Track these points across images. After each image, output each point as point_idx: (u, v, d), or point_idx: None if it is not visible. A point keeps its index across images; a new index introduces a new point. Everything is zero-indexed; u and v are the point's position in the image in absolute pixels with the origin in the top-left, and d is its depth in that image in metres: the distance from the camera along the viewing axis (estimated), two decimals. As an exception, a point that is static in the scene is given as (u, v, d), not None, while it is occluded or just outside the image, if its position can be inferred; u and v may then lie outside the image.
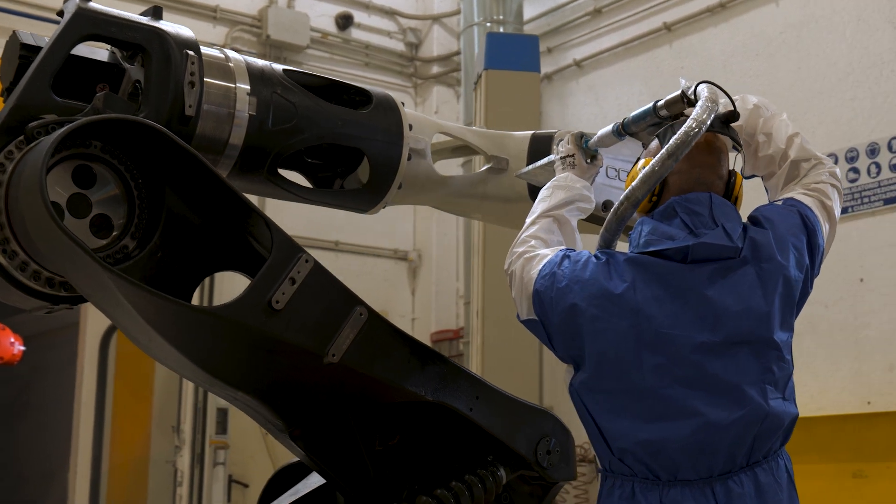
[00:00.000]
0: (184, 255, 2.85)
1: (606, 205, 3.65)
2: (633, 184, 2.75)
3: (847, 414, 6.77)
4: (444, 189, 3.59)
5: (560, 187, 3.13)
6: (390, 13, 11.17)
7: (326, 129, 3.23)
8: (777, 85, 7.64)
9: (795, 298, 2.78)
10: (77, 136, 2.64)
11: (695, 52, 8.37)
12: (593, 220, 3.61)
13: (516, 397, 3.15)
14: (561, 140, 3.31)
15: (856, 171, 7.12)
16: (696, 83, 2.87)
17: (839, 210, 2.93)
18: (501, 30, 8.56)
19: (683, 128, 2.73)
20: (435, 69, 11.05)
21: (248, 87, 3.09)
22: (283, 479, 3.48)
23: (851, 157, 7.17)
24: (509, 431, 3.09)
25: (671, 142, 2.73)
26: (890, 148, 7.00)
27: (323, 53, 10.52)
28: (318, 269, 2.74)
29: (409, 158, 3.42)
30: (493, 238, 4.97)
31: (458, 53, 10.70)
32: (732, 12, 8.13)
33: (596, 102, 9.01)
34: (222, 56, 3.11)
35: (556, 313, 2.76)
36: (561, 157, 3.25)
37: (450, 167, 4.28)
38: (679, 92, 2.96)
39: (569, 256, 2.82)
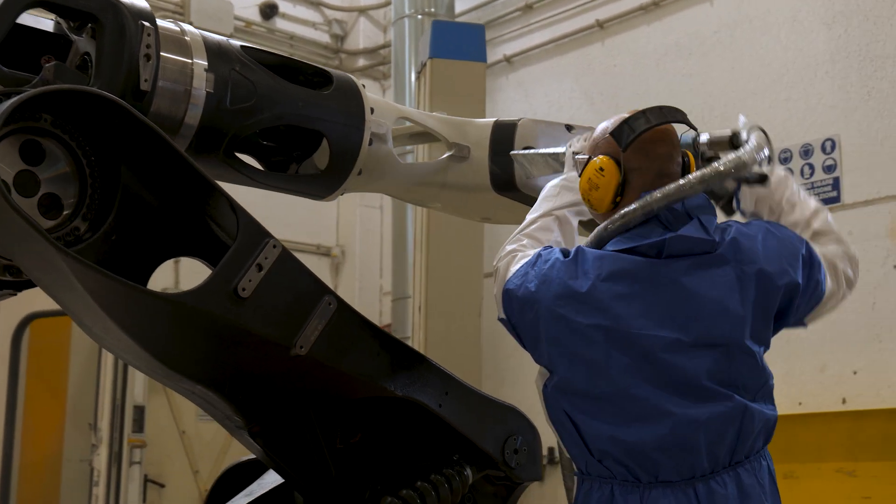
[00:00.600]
0: (140, 238, 2.67)
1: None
2: (650, 198, 2.62)
3: (778, 415, 6.74)
4: (403, 176, 3.45)
5: (569, 188, 2.96)
6: (315, 4, 10.97)
7: (286, 109, 3.07)
8: (710, 85, 7.63)
9: (772, 313, 2.66)
10: (26, 108, 2.44)
11: (627, 50, 8.32)
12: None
13: (483, 393, 3.03)
14: (578, 137, 3.16)
15: (790, 171, 7.12)
16: (749, 127, 2.79)
17: (847, 286, 2.80)
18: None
19: (728, 162, 2.68)
20: (361, 62, 10.88)
21: (206, 63, 2.92)
22: (233, 478, 3.31)
23: (785, 158, 7.17)
24: (478, 429, 2.96)
25: (709, 170, 2.65)
26: (824, 150, 7.02)
27: (246, 43, 10.25)
28: (286, 256, 2.58)
29: (370, 143, 3.27)
30: (437, 232, 4.85)
31: (384, 47, 10.55)
32: (666, 11, 8.10)
33: (525, 99, 8.92)
34: (178, 29, 2.93)
35: (523, 314, 2.66)
36: (575, 154, 3.06)
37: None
38: (728, 132, 2.88)
39: (541, 255, 2.70)
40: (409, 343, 5.63)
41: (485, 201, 3.54)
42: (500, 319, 2.76)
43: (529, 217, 2.94)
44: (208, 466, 9.36)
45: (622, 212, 2.65)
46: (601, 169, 2.71)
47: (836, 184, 6.92)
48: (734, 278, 2.61)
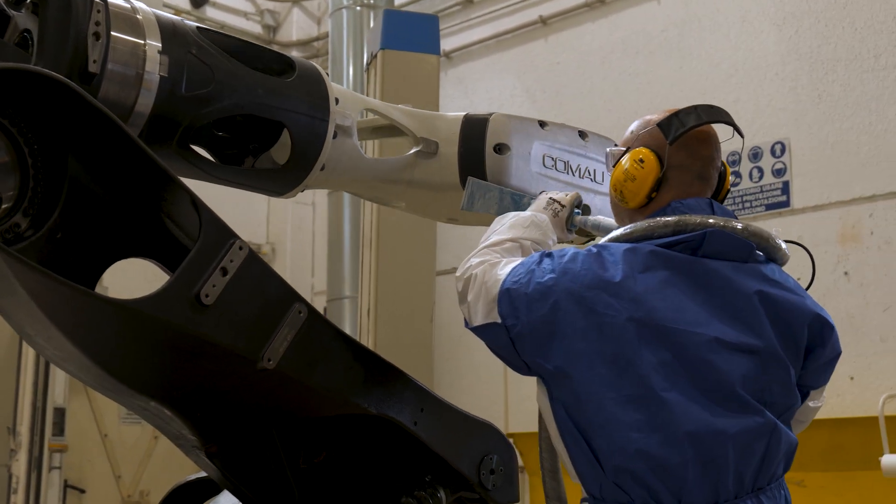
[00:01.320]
0: (88, 237, 2.40)
1: (543, 196, 3.33)
2: (688, 219, 2.47)
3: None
4: (368, 173, 3.19)
5: (538, 227, 2.79)
6: (247, -7, 10.68)
7: (246, 98, 2.81)
8: (657, 84, 7.49)
9: (801, 345, 2.52)
10: (-39, 89, 2.17)
11: (572, 47, 8.15)
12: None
13: (458, 408, 2.79)
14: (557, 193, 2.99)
15: (738, 175, 7.01)
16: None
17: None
18: (372, 14, 8.19)
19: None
20: (294, 54, 10.51)
21: (160, 45, 2.65)
22: (182, 498, 3.04)
23: (733, 160, 7.03)
24: (453, 448, 2.73)
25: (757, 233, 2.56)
26: (773, 153, 6.91)
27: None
28: (253, 258, 2.33)
29: (334, 136, 3.02)
30: (388, 231, 4.61)
31: (319, 39, 10.27)
32: (611, 8, 7.95)
33: (465, 96, 8.72)
34: (129, 6, 2.65)
35: (531, 312, 2.40)
36: (551, 199, 2.92)
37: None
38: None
39: (550, 255, 2.49)
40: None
41: (453, 201, 3.30)
42: (478, 326, 2.52)
43: (495, 237, 2.73)
44: (131, 471, 9.04)
45: (654, 221, 2.49)
46: (641, 160, 2.55)
47: (785, 188, 6.82)
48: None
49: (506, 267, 2.53)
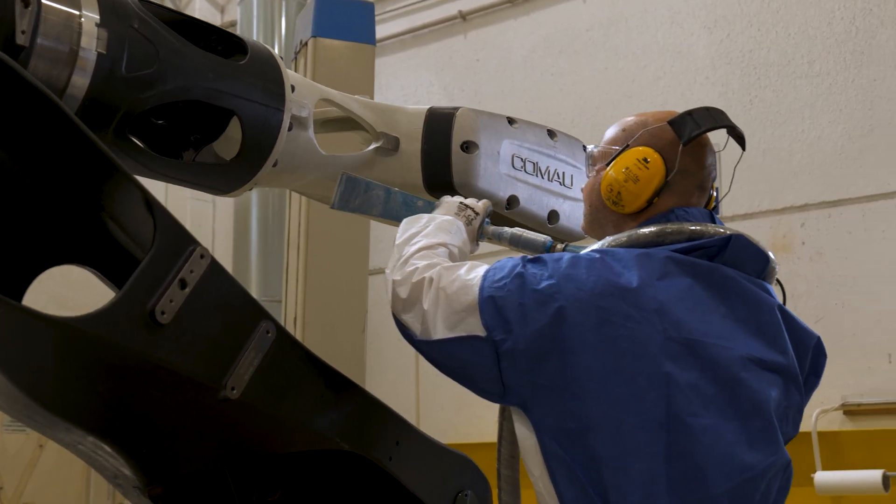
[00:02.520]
0: (13, 240, 2.02)
1: (511, 201, 3.04)
2: (666, 227, 2.20)
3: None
4: (323, 171, 2.85)
5: (460, 233, 2.49)
6: (146, -21, 10.15)
7: (193, 81, 2.46)
8: (582, 85, 7.23)
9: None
10: None
11: (493, 44, 7.84)
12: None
13: (435, 441, 2.47)
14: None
15: (665, 180, 6.79)
16: None
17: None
18: (284, 4, 7.79)
19: None
20: (194, 44, 10.10)
21: (97, 17, 2.28)
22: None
23: (660, 165, 6.84)
24: (429, 485, 2.40)
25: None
26: (703, 158, 6.70)
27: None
28: (216, 269, 1.98)
29: (289, 128, 2.68)
30: (317, 233, 4.26)
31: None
32: (535, 5, 7.67)
33: (380, 91, 8.33)
34: (60, -30, 2.28)
35: (527, 325, 2.04)
36: (463, 204, 2.60)
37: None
38: None
39: (536, 260, 2.16)
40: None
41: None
42: (446, 339, 2.13)
43: (425, 240, 2.38)
44: (13, 482, 8.48)
45: (664, 225, 2.18)
46: (646, 160, 2.24)
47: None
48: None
49: (473, 271, 2.18)
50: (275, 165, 2.67)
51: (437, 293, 2.17)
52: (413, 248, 2.33)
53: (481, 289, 2.12)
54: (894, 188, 5.89)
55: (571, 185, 3.20)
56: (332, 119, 3.04)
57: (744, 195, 6.39)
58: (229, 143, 2.71)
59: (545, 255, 2.20)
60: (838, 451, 5.64)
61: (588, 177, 2.43)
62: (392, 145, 2.95)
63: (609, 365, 2.01)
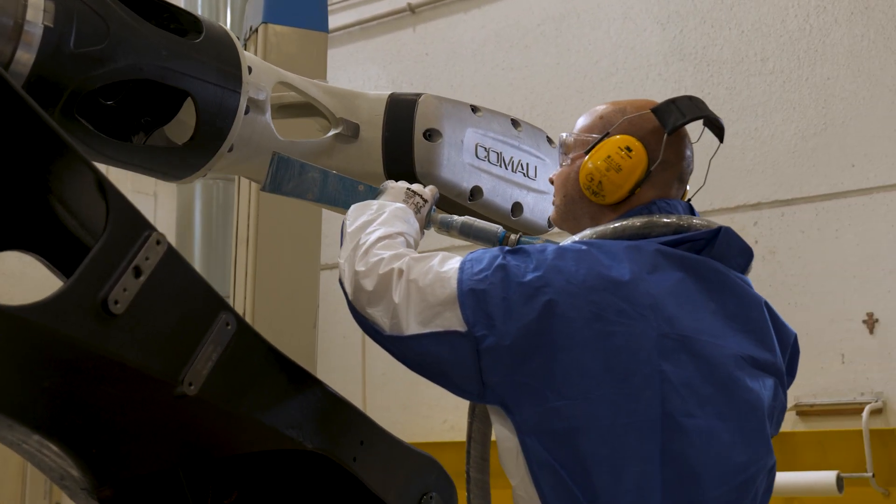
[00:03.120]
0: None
1: (474, 192, 2.93)
2: (651, 219, 2.12)
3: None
4: (280, 157, 2.72)
5: (409, 222, 2.35)
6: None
7: (146, 59, 2.32)
8: (533, 80, 7.15)
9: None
10: None
11: (442, 38, 7.73)
12: (451, 206, 2.89)
13: (400, 441, 2.35)
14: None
15: (617, 177, 6.72)
16: None
17: None
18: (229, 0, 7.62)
19: None
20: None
21: (44, -12, 2.14)
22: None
23: (612, 162, 6.77)
24: (393, 487, 2.29)
25: None
26: (654, 155, 6.63)
27: None
28: (173, 257, 1.85)
29: (246, 111, 2.55)
30: (267, 227, 4.10)
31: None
32: (485, -1, 7.59)
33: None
34: (4, -63, 2.13)
35: (512, 320, 1.92)
36: (410, 190, 2.47)
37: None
38: None
39: (517, 251, 2.04)
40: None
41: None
42: (421, 334, 2.00)
43: (384, 229, 2.24)
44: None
45: (649, 218, 2.09)
46: (629, 149, 2.15)
47: None
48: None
49: (447, 262, 2.06)
50: (230, 151, 2.53)
51: (409, 286, 2.04)
52: (372, 238, 2.19)
53: (460, 281, 2.00)
54: (848, 187, 5.87)
55: (535, 176, 3.10)
56: (289, 104, 2.91)
57: (696, 196, 6.29)
58: (182, 126, 2.58)
59: (527, 246, 2.08)
60: (791, 452, 5.59)
61: (561, 166, 2.32)
62: (352, 132, 2.83)
63: (601, 362, 1.90)
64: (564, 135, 2.32)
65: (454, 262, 2.05)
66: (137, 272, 1.76)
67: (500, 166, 3.02)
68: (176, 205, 7.80)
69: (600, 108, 2.31)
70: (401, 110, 2.85)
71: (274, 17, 4.26)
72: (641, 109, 2.22)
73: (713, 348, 1.96)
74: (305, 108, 2.89)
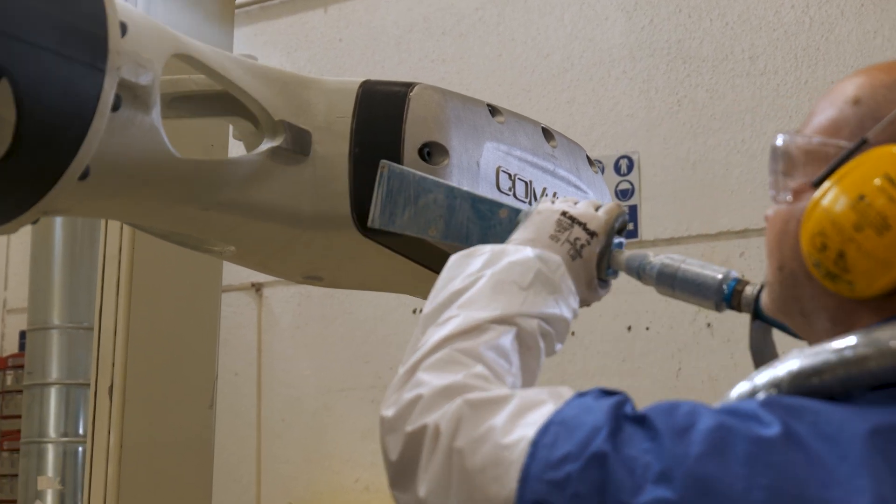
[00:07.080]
0: None
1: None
2: None
3: None
4: (174, 188, 1.55)
5: (550, 282, 1.45)
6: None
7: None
8: (469, 74, 6.33)
9: None
10: None
11: (359, 21, 6.89)
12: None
13: None
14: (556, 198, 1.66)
15: (571, 193, 5.83)
16: None
17: None
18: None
19: None
20: None
21: None
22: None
23: (565, 174, 5.85)
24: None
25: None
26: (618, 170, 5.74)
27: None
28: None
29: (116, 107, 1.38)
30: (145, 240, 2.90)
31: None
32: (412, -24, 6.74)
33: (219, 72, 7.27)
34: None
35: None
36: (567, 216, 1.55)
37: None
38: None
39: (645, 418, 1.13)
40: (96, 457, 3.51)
41: (339, 246, 1.74)
42: None
43: (467, 313, 1.36)
44: None
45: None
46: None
47: (632, 214, 5.69)
48: None
49: (525, 417, 1.18)
50: (84, 178, 1.36)
51: (449, 461, 1.20)
52: (437, 337, 1.34)
53: (525, 474, 1.15)
54: (854, 212, 5.09)
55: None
56: (192, 94, 1.74)
57: (668, 215, 5.71)
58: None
59: (655, 415, 1.13)
60: None
61: (776, 201, 1.25)
62: (298, 146, 1.68)
63: None
64: (783, 137, 1.24)
65: (535, 417, 1.17)
66: None
67: (529, 202, 1.93)
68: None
69: (853, 80, 1.26)
70: (381, 110, 1.73)
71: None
72: None
73: None
74: (221, 103, 1.73)
